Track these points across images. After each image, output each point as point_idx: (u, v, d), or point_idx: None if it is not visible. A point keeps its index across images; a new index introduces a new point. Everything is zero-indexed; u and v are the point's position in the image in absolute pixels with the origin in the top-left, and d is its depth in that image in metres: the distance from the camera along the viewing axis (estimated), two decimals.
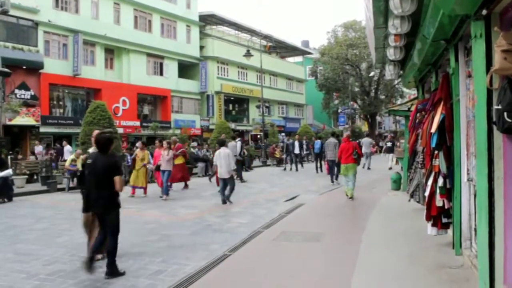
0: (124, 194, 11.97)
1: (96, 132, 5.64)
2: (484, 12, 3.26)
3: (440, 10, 3.88)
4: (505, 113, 2.95)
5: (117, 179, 4.92)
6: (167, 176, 11.53)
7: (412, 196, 7.48)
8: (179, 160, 13.12)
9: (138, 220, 8.55)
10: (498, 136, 3.28)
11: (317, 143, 23.34)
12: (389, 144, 21.66)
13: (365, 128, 46.37)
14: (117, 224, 5.04)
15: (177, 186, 13.71)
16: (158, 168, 12.03)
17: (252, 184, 12.46)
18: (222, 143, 10.77)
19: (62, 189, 13.85)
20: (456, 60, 4.86)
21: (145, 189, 12.23)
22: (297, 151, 21.20)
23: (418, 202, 7.33)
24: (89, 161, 5.25)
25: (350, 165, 10.55)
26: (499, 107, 3.04)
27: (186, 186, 13.78)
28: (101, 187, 4.93)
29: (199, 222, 8.17)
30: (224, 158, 10.21)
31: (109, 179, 4.90)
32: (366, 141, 22.59)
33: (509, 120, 2.94)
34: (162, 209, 9.92)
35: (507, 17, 3.24)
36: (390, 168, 18.60)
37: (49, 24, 23.43)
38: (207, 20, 35.32)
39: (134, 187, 12.12)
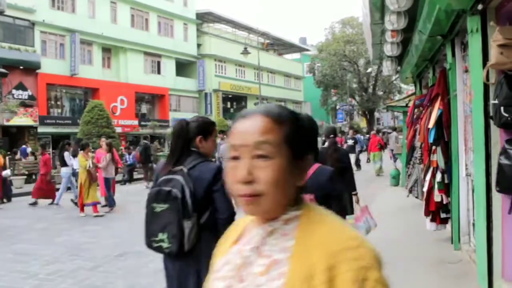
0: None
1: None
2: (480, 7, 3.26)
3: (436, 5, 3.88)
4: (502, 108, 2.97)
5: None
6: (108, 183, 9.66)
7: (410, 191, 7.48)
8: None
9: (139, 218, 8.54)
10: (495, 131, 3.29)
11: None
12: (350, 142, 16.75)
13: (363, 124, 46.38)
14: None
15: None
16: None
17: None
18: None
19: None
20: (453, 55, 4.87)
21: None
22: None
23: (417, 197, 7.33)
24: None
25: (376, 153, 15.28)
26: (496, 101, 3.05)
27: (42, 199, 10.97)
28: None
29: None
30: None
31: None
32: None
33: (506, 115, 2.95)
34: None
35: (503, 11, 3.25)
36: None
37: (46, 24, 23.33)
38: (204, 18, 35.23)
39: (94, 204, 9.17)
